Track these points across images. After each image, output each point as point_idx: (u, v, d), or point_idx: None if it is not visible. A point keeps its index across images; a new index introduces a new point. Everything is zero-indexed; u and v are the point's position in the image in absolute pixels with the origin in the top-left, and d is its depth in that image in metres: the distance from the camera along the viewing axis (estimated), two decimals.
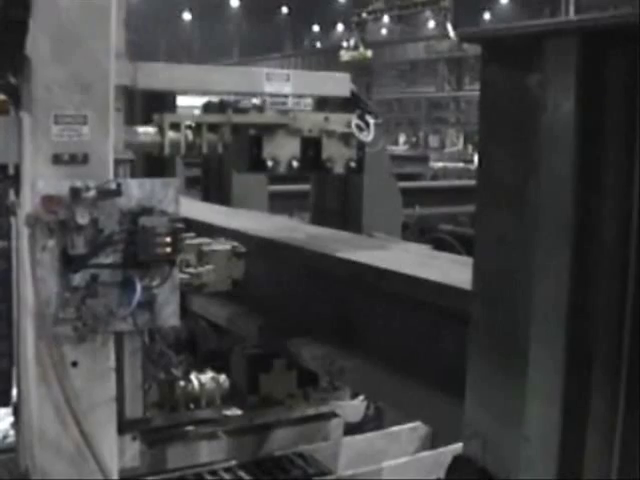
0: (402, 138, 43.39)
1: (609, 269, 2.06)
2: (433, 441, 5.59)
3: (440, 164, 20.03)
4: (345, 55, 46.51)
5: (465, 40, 3.50)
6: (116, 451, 3.38)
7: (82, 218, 3.12)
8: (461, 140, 40.74)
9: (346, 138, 4.42)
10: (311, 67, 54.27)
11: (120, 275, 3.27)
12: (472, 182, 10.97)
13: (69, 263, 3.16)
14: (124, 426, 3.45)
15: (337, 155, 4.41)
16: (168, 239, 3.28)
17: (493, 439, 2.33)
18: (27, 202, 3.18)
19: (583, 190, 2.08)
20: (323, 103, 5.00)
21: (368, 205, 5.12)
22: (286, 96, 4.62)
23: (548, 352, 2.17)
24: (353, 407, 5.64)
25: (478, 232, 2.46)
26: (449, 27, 39.85)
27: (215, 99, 4.34)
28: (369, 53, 46.01)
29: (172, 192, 3.37)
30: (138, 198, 3.29)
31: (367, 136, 4.41)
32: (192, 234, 4.20)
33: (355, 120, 4.41)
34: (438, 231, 8.33)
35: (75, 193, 3.12)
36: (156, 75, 4.00)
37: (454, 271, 3.38)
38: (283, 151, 4.23)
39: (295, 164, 4.25)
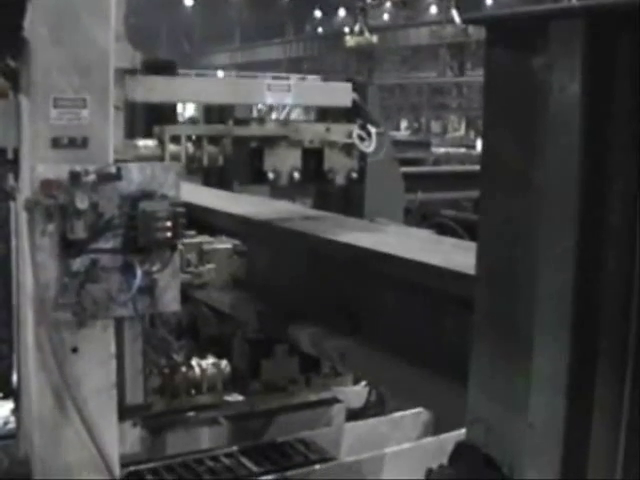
0: (404, 123, 43.31)
1: (616, 254, 2.04)
2: (436, 427, 5.58)
3: (442, 149, 19.97)
4: (350, 41, 46.39)
5: (470, 23, 3.49)
6: (117, 437, 3.37)
7: (82, 202, 3.11)
8: (463, 126, 40.66)
9: (347, 149, 4.46)
10: (313, 52, 54.29)
11: (120, 260, 3.27)
12: (474, 167, 10.94)
13: (69, 248, 3.15)
14: (124, 412, 3.44)
15: (339, 166, 4.46)
16: (169, 223, 3.27)
17: (496, 425, 2.32)
18: (26, 186, 3.17)
19: (589, 174, 2.06)
20: (324, 112, 5.01)
21: (370, 190, 5.10)
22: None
23: (553, 338, 2.15)
24: (355, 393, 5.64)
25: (482, 217, 2.43)
26: (454, 12, 39.75)
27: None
28: (374, 39, 45.89)
29: (173, 176, 3.35)
30: (138, 182, 3.27)
31: (369, 146, 4.44)
32: (193, 232, 4.18)
33: (357, 130, 4.43)
34: (440, 216, 8.29)
35: (74, 177, 3.11)
36: (156, 88, 3.98)
37: (457, 256, 3.37)
38: (284, 163, 4.28)
39: (296, 176, 4.30)
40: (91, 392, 3.27)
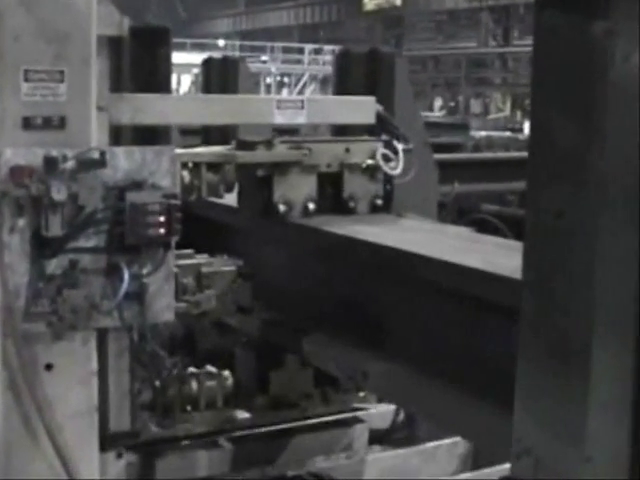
0: (438, 102, 43.37)
1: None
2: (475, 460, 5.57)
3: (483, 133, 19.95)
4: (369, 3, 46.45)
5: None
6: (97, 471, 3.37)
7: (58, 193, 3.10)
8: (508, 105, 40.69)
9: (371, 171, 4.43)
10: (330, 18, 54.39)
11: (104, 261, 3.27)
12: (522, 154, 10.91)
13: (43, 247, 3.15)
14: (107, 441, 3.44)
15: (361, 192, 4.43)
16: (162, 218, 3.28)
17: (547, 458, 2.31)
18: None
19: None
20: (343, 129, 5.00)
21: (398, 180, 5.08)
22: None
23: (614, 355, 2.14)
24: (380, 412, 5.63)
25: (530, 211, 2.42)
26: None
27: (217, 55, 4.34)
28: (398, 1, 45.89)
29: (166, 162, 3.36)
30: (126, 170, 3.28)
31: (395, 167, 4.41)
32: (189, 251, 4.17)
33: (381, 149, 4.40)
34: (481, 212, 8.28)
35: (50, 163, 3.10)
36: (147, 108, 3.98)
37: (500, 257, 3.35)
38: (297, 192, 4.26)
39: (311, 206, 4.27)
40: (68, 417, 3.26)
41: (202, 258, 4.18)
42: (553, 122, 2.26)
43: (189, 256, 4.13)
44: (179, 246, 3.56)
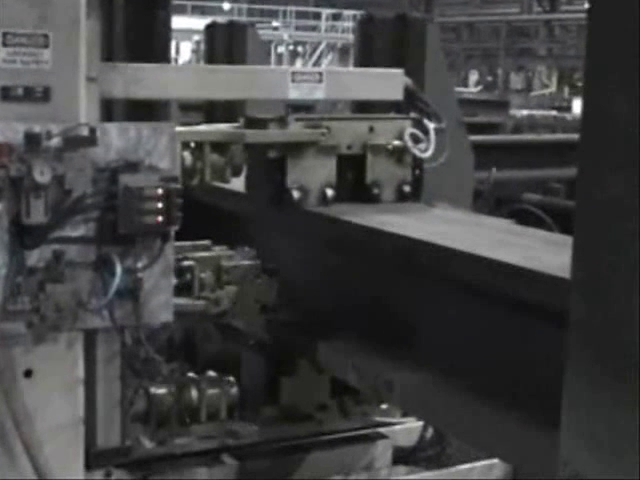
0: (474, 77, 43.34)
1: None
2: None
3: (525, 112, 20.00)
4: None
5: None
6: None
7: (42, 175, 3.11)
8: (554, 80, 40.62)
9: (398, 154, 4.41)
10: None
11: (93, 253, 3.28)
12: (570, 136, 10.90)
13: (23, 236, 3.16)
14: (94, 458, 3.45)
15: (386, 177, 4.42)
16: (159, 205, 3.29)
17: None
18: None
19: None
20: (366, 105, 4.98)
21: (428, 164, 5.08)
22: None
23: None
24: (405, 428, 5.62)
25: (581, 201, 2.41)
26: None
27: (222, 20, 4.33)
28: None
29: (165, 141, 3.37)
30: (119, 149, 3.29)
31: (426, 149, 4.39)
32: (206, 242, 4.17)
33: (409, 129, 4.38)
34: (522, 201, 8.27)
35: (32, 140, 3.10)
36: (143, 80, 3.97)
37: (545, 253, 3.36)
38: (313, 177, 4.25)
39: (330, 193, 4.26)
40: (49, 430, 3.28)
41: (220, 249, 4.19)
42: (611, 99, 2.25)
43: (206, 248, 4.13)
44: (178, 237, 3.56)
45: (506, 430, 3.19)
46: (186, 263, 3.94)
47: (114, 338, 3.47)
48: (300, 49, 50.33)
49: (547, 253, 3.34)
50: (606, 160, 2.27)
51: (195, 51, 40.61)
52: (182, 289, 3.90)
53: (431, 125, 4.44)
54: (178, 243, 3.73)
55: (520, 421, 3.09)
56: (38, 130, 3.11)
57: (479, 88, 38.99)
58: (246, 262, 4.18)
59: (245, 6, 53.26)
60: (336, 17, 50.32)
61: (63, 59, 3.18)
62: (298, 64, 44.13)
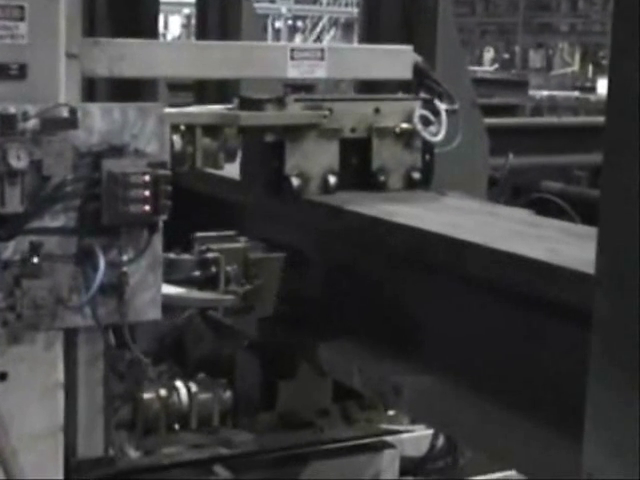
0: (489, 54, 43.32)
1: None
2: None
3: (545, 92, 20.03)
4: None
5: None
6: None
7: (18, 160, 3.11)
8: (577, 57, 40.60)
9: (406, 138, 4.40)
10: None
11: (74, 245, 3.28)
12: (594, 119, 10.90)
13: None
14: (74, 469, 3.45)
15: (393, 163, 4.40)
16: (147, 192, 3.28)
17: None
18: None
19: None
20: (372, 85, 4.97)
21: (440, 149, 5.08)
22: None
23: None
24: (414, 436, 5.63)
25: (606, 190, 2.41)
26: None
27: None
28: None
29: (153, 124, 3.37)
30: (102, 132, 3.29)
31: (437, 133, 4.38)
32: (231, 232, 4.16)
33: (419, 110, 4.37)
34: (541, 190, 8.28)
35: (7, 122, 3.10)
36: (129, 57, 3.96)
37: (566, 246, 3.35)
38: (314, 163, 4.23)
39: (332, 180, 4.25)
40: (26, 439, 3.28)
41: (244, 240, 4.20)
42: (638, 82, 2.24)
43: (232, 239, 4.13)
44: (166, 228, 3.55)
45: (524, 439, 3.18)
46: (211, 255, 3.95)
47: (97, 338, 3.47)
48: (300, 24, 50.27)
49: (569, 246, 3.33)
50: (634, 145, 2.27)
51: (185, 26, 40.59)
52: (206, 283, 3.91)
53: (442, 106, 4.42)
54: (201, 234, 3.74)
55: (540, 429, 3.09)
56: (13, 111, 3.11)
57: (495, 67, 38.99)
58: (272, 254, 4.19)
59: None
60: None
61: (40, 33, 3.18)
62: (297, 40, 44.07)
